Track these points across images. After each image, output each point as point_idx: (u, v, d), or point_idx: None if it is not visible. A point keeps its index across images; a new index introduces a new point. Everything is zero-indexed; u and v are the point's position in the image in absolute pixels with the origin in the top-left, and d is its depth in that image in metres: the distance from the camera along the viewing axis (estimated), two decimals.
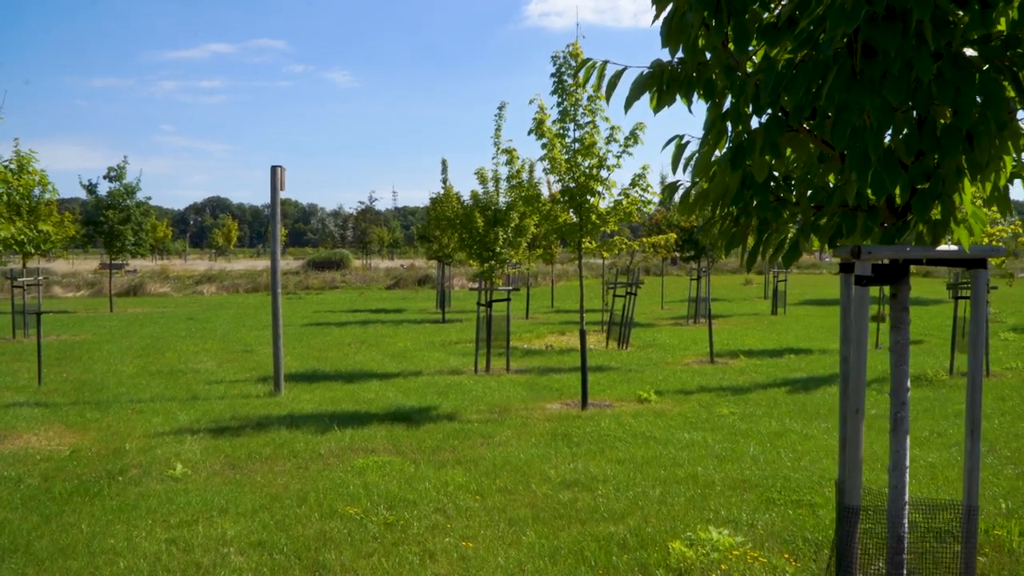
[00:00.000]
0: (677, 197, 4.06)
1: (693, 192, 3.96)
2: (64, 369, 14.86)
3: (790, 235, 3.77)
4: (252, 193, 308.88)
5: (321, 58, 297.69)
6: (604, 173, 11.00)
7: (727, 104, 3.57)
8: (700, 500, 6.56)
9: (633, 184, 11.23)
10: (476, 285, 46.55)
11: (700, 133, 3.77)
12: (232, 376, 14.10)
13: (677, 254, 27.42)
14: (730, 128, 3.53)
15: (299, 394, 12.18)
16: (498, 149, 14.91)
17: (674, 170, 3.90)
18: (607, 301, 23.84)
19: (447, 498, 6.69)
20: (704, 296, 26.12)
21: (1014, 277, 15.58)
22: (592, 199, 11.05)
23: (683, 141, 3.85)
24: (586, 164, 11.00)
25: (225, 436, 9.27)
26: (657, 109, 3.74)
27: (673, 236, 11.67)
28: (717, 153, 3.69)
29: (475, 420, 10.18)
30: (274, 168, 12.53)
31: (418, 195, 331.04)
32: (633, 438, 9.02)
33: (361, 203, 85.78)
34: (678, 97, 3.69)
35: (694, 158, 3.87)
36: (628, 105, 3.75)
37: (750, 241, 3.86)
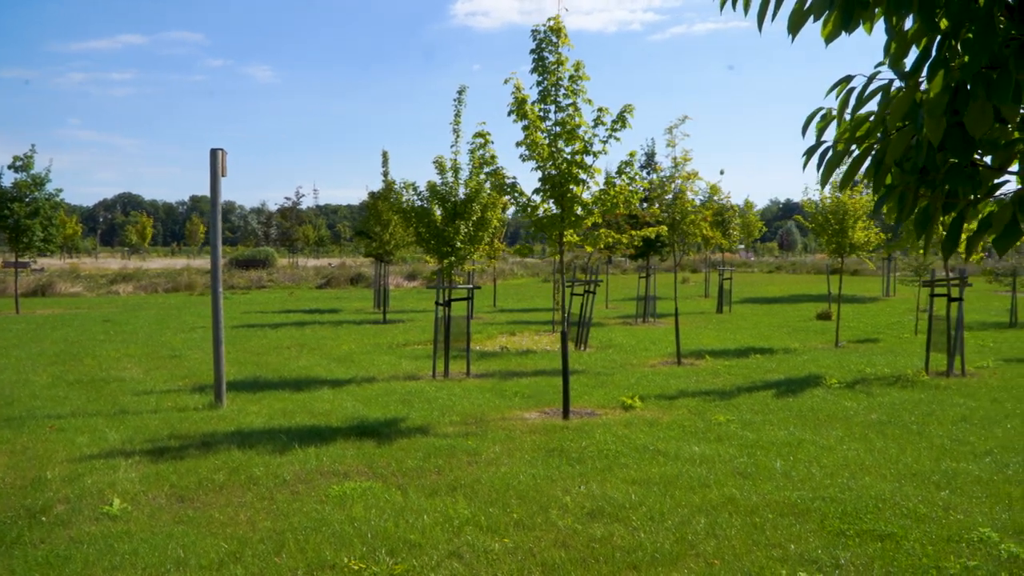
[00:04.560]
0: (821, 163, 3.09)
1: (850, 156, 2.99)
2: None
3: (989, 212, 2.83)
4: (166, 190, 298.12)
5: (240, 52, 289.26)
6: (589, 160, 10.03)
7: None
8: (755, 531, 5.62)
9: (619, 172, 10.27)
10: (414, 284, 45.01)
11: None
12: (163, 385, 12.62)
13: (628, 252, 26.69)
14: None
15: (244, 406, 10.84)
16: (457, 136, 13.84)
17: (841, 121, 2.92)
18: (558, 300, 22.96)
19: (457, 537, 5.58)
20: (652, 295, 25.52)
21: None
22: (575, 188, 10.05)
23: (851, 85, 2.87)
24: (568, 150, 10.01)
25: (166, 459, 7.93)
26: (832, 37, 2.74)
27: (665, 229, 10.77)
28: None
29: (452, 433, 9.07)
30: (214, 151, 11.14)
31: (341, 193, 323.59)
32: (638, 453, 8.06)
33: (288, 199, 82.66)
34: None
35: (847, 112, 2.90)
36: (795, 28, 2.74)
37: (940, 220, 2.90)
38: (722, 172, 40.89)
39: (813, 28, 2.84)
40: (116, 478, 7.25)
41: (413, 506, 6.33)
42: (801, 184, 34.30)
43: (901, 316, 25.26)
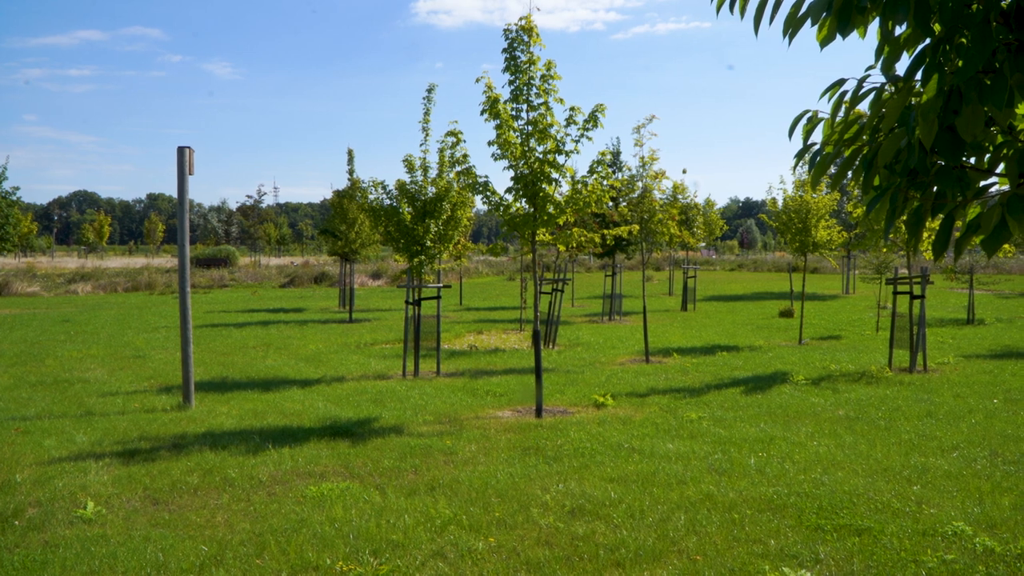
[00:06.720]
0: (812, 165, 3.15)
1: (840, 158, 3.05)
2: None
3: (977, 214, 2.90)
4: (122, 187, 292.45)
5: (200, 48, 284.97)
6: (561, 159, 10.06)
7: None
8: (735, 527, 5.70)
9: (591, 171, 10.32)
10: (379, 282, 44.69)
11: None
12: (129, 386, 12.42)
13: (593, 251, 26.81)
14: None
15: (213, 406, 10.71)
16: (427, 135, 13.79)
17: (833, 123, 2.98)
18: (526, 298, 23.00)
19: (440, 537, 5.57)
20: (618, 293, 25.68)
21: None
22: (548, 187, 10.08)
23: (843, 89, 2.93)
24: (540, 149, 10.04)
25: (137, 461, 7.82)
26: (827, 41, 2.79)
27: (636, 228, 10.86)
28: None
29: (426, 433, 9.06)
30: (181, 149, 10.99)
31: (302, 191, 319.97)
32: (613, 451, 8.11)
33: (249, 197, 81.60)
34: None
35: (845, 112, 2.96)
36: (790, 31, 2.79)
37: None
38: (684, 171, 41.34)
39: (779, 30, 2.89)
40: (87, 481, 7.12)
41: (393, 506, 6.32)
42: (763, 183, 34.74)
43: (862, 313, 25.74)
